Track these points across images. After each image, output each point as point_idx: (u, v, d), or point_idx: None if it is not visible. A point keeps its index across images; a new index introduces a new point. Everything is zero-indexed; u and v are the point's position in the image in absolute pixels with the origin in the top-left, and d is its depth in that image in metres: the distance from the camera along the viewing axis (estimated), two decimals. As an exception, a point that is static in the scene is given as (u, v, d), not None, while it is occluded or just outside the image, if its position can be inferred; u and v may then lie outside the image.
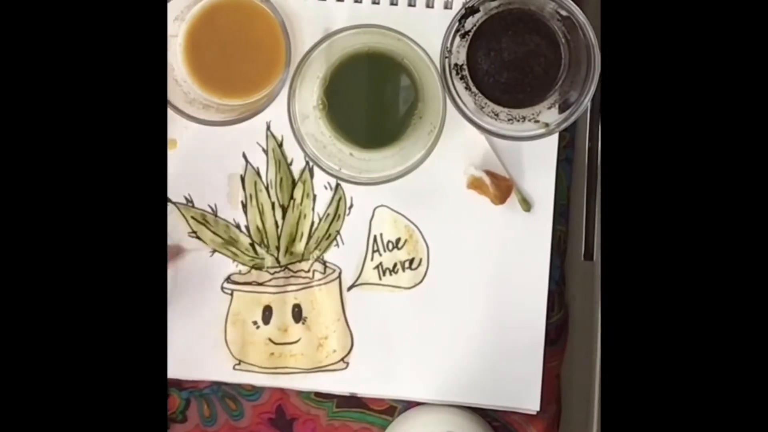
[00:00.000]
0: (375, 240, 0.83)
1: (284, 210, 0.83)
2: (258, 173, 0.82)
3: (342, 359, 0.83)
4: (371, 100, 0.80)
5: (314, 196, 0.82)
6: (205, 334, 0.83)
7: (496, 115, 0.78)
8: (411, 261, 0.83)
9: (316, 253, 0.83)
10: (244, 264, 0.83)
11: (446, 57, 0.75)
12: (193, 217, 0.83)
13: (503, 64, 0.78)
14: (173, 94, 0.77)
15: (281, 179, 0.82)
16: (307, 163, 0.82)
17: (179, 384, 0.84)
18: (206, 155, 0.82)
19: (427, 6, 0.81)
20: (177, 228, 0.83)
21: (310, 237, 0.83)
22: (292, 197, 0.82)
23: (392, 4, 0.81)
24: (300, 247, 0.83)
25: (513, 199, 0.81)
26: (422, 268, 0.83)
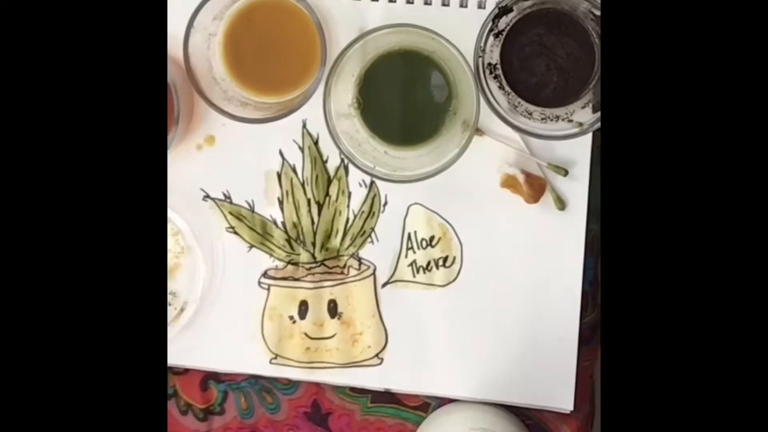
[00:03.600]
0: (409, 237, 0.83)
1: (320, 207, 0.83)
2: (294, 170, 0.83)
3: (376, 355, 0.84)
4: (405, 98, 0.81)
5: (349, 194, 0.83)
6: (243, 328, 0.84)
7: (530, 114, 0.78)
8: (445, 259, 0.83)
9: (351, 249, 0.84)
10: (280, 259, 0.84)
11: (480, 56, 0.75)
12: (230, 213, 0.84)
13: (536, 64, 0.78)
14: (212, 91, 0.78)
15: (317, 176, 0.83)
16: (342, 160, 0.83)
17: (217, 377, 0.85)
18: (243, 152, 0.83)
19: (461, 5, 0.81)
20: (215, 223, 0.84)
21: (345, 234, 0.84)
22: (327, 194, 0.83)
23: (426, 3, 0.81)
24: (335, 243, 0.84)
25: (547, 198, 0.81)
26: (456, 266, 0.83)
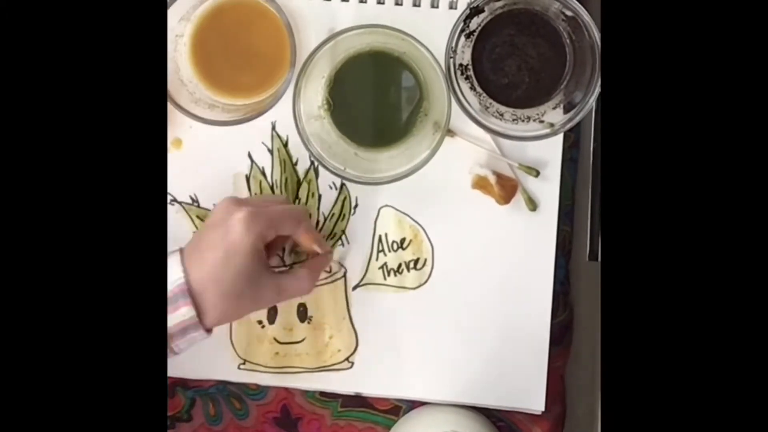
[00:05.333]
0: (380, 240, 0.83)
1: (289, 210, 0.83)
2: (263, 173, 0.83)
3: (347, 359, 0.83)
4: (376, 100, 0.80)
5: (319, 196, 0.83)
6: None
7: (501, 115, 0.78)
8: (416, 261, 0.83)
9: (321, 252, 0.83)
10: (249, 263, 0.83)
11: (451, 57, 0.75)
12: (198, 217, 0.83)
13: (508, 64, 0.78)
14: (179, 93, 0.77)
15: (286, 179, 0.82)
16: (312, 162, 0.82)
17: (185, 383, 0.84)
18: (211, 155, 0.82)
19: (432, 6, 0.80)
20: (182, 227, 0.83)
21: (315, 236, 0.83)
22: (297, 197, 0.83)
23: (397, 4, 0.81)
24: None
25: (518, 199, 0.81)
26: (427, 269, 0.83)
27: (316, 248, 0.77)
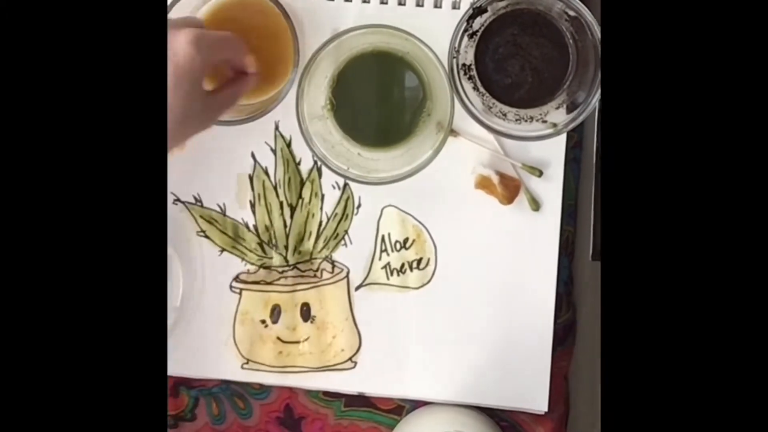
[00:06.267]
0: (383, 240, 0.83)
1: (292, 209, 0.83)
2: (266, 173, 0.83)
3: (350, 359, 0.83)
4: (379, 100, 0.80)
5: (322, 196, 0.83)
6: (214, 333, 0.83)
7: (504, 115, 0.78)
8: (419, 261, 0.83)
9: (325, 252, 0.83)
10: (252, 263, 0.83)
11: (454, 57, 0.75)
12: (201, 217, 0.83)
13: (511, 64, 0.78)
14: (182, 93, 0.77)
15: (289, 179, 0.83)
16: (315, 162, 0.82)
17: (188, 383, 0.84)
18: (215, 155, 0.83)
19: (435, 6, 0.81)
20: (186, 227, 0.83)
21: (318, 236, 0.83)
22: (300, 197, 0.83)
23: (400, 3, 0.81)
24: (308, 246, 0.83)
25: (521, 199, 0.81)
26: (430, 268, 0.83)
27: (250, 68, 0.75)
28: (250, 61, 0.75)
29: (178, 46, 0.67)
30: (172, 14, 0.75)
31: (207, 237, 0.83)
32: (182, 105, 0.67)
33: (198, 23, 0.75)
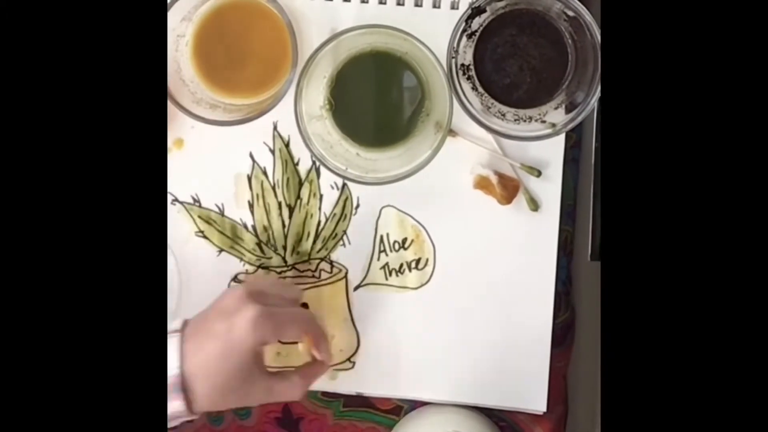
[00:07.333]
0: (381, 240, 0.83)
1: (291, 210, 0.83)
2: (265, 173, 0.82)
3: (348, 359, 0.83)
4: (378, 100, 0.80)
5: (321, 196, 0.83)
6: (212, 334, 0.83)
7: (503, 115, 0.78)
8: (417, 261, 0.83)
9: (323, 252, 0.83)
10: (250, 263, 0.83)
11: (453, 57, 0.75)
12: (200, 217, 0.83)
13: (510, 64, 0.78)
14: (180, 94, 0.77)
15: (288, 179, 0.82)
16: (314, 162, 0.82)
17: (186, 383, 0.84)
18: (213, 155, 0.82)
19: (434, 6, 0.80)
20: (184, 227, 0.83)
21: (316, 236, 0.83)
22: (298, 197, 0.83)
23: (399, 4, 0.81)
24: (307, 246, 0.83)
25: (520, 199, 0.81)
26: (429, 269, 0.82)
27: (315, 354, 0.76)
28: (319, 349, 0.76)
29: (238, 321, 0.69)
30: (170, 16, 0.75)
31: (205, 237, 0.83)
32: (226, 377, 0.69)
33: (294, 294, 0.77)
